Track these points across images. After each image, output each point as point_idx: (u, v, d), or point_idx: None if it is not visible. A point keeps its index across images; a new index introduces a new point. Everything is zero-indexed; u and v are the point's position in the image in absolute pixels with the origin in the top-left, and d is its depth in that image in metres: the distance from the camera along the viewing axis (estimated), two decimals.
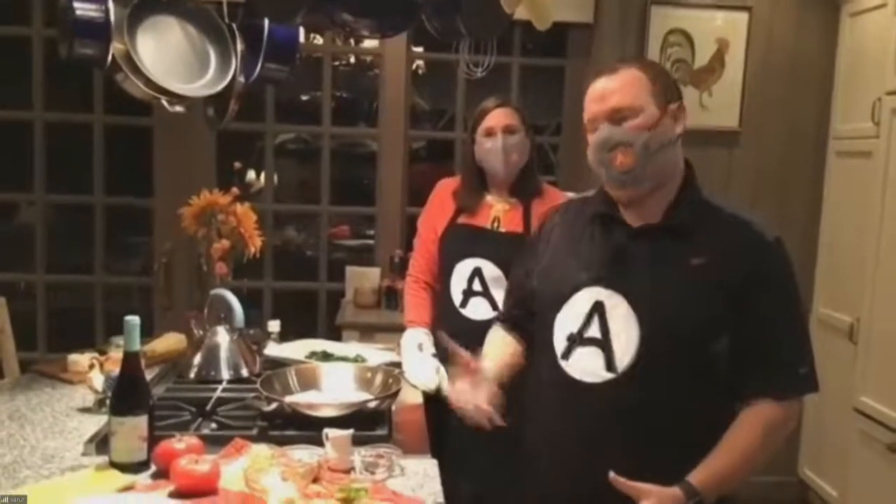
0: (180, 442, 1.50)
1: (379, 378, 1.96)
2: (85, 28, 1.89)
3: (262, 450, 1.58)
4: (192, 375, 2.11)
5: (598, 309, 1.46)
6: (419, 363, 2.20)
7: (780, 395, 1.41)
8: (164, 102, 2.03)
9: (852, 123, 3.33)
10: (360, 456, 1.54)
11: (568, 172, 3.70)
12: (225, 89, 2.06)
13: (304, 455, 1.54)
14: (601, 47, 3.51)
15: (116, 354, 1.82)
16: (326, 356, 2.31)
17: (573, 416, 1.48)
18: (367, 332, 3.23)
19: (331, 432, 1.55)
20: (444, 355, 2.01)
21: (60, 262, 3.87)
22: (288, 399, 1.79)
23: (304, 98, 5.19)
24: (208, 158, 3.60)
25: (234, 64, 2.07)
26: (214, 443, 1.61)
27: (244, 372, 2.12)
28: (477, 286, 2.28)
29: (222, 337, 2.15)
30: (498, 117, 2.32)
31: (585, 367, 1.46)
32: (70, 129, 3.74)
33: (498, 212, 2.35)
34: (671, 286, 1.42)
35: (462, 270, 2.31)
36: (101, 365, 1.93)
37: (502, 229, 2.32)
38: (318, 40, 3.77)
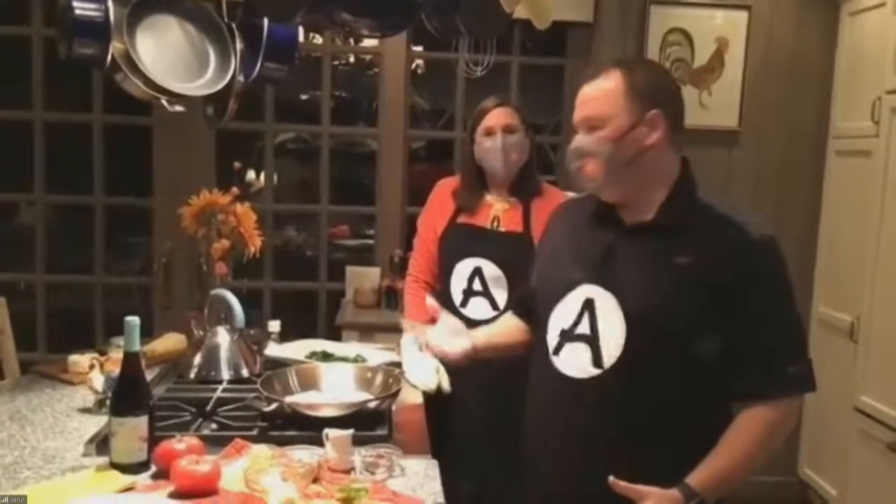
0: (180, 442, 1.50)
1: (379, 378, 1.96)
2: (84, 28, 1.89)
3: (262, 450, 1.57)
4: (192, 376, 2.11)
5: (588, 306, 1.47)
6: (419, 363, 2.19)
7: (771, 395, 1.40)
8: (164, 102, 2.03)
9: (852, 122, 3.32)
10: (360, 456, 1.54)
11: (568, 172, 3.68)
12: (224, 88, 2.05)
13: (304, 455, 1.54)
14: (601, 46, 3.50)
15: (116, 355, 1.82)
16: (326, 356, 2.31)
17: (564, 412, 1.49)
18: (367, 332, 3.23)
19: (331, 432, 1.55)
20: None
21: (60, 262, 3.87)
22: (288, 399, 1.79)
23: (304, 97, 5.20)
24: (208, 158, 3.59)
25: (234, 63, 2.06)
26: (215, 443, 1.60)
27: (244, 372, 2.12)
28: (477, 286, 2.28)
29: (222, 337, 2.14)
30: (497, 117, 2.32)
31: (574, 362, 1.47)
32: (70, 129, 3.74)
33: (498, 211, 2.35)
34: (656, 284, 1.42)
35: (462, 270, 2.31)
36: (102, 365, 1.93)
37: (502, 229, 2.32)
38: (318, 40, 3.76)
